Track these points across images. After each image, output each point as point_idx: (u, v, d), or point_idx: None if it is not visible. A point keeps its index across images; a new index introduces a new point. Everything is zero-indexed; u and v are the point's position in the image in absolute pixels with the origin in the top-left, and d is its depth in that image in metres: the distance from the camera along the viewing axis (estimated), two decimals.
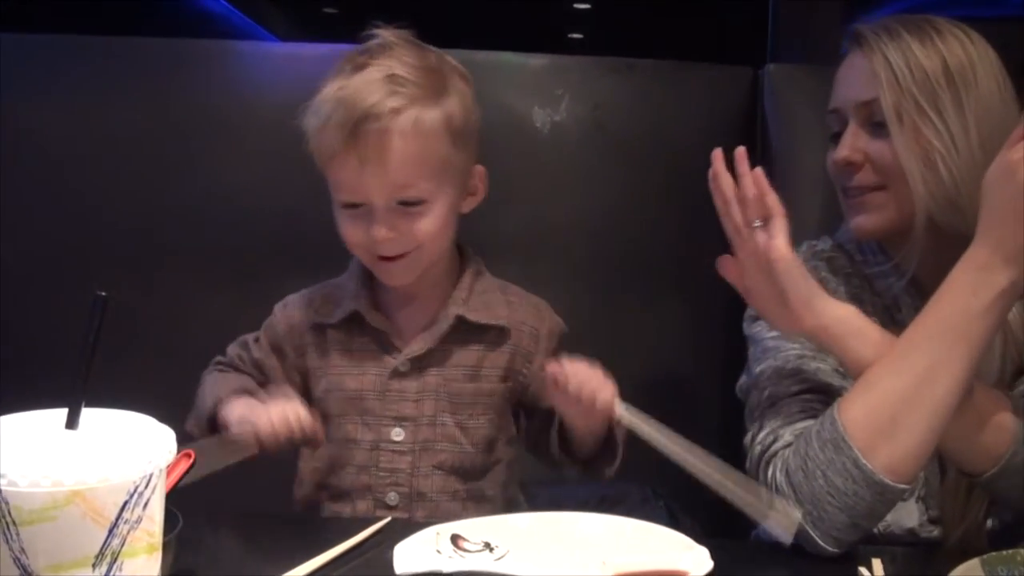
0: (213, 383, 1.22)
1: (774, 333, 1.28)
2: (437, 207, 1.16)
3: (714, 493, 1.18)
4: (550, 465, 1.26)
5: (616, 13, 6.35)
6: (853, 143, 1.23)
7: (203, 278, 1.72)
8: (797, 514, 1.03)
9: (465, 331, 1.22)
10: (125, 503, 0.62)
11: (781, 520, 1.02)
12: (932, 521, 1.22)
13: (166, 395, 1.62)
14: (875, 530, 1.21)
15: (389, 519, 1.10)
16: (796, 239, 1.65)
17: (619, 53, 1.78)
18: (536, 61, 1.76)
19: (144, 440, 0.65)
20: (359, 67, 1.13)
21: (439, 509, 1.21)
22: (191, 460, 0.95)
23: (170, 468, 0.94)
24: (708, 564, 0.96)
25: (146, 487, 0.63)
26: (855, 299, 1.26)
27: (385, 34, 1.17)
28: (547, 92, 1.71)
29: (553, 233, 1.71)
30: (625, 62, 1.75)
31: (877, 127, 1.21)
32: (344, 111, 1.10)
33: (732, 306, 1.74)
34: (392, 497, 1.20)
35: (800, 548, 1.09)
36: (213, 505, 1.01)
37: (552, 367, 1.12)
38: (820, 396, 1.18)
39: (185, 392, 1.66)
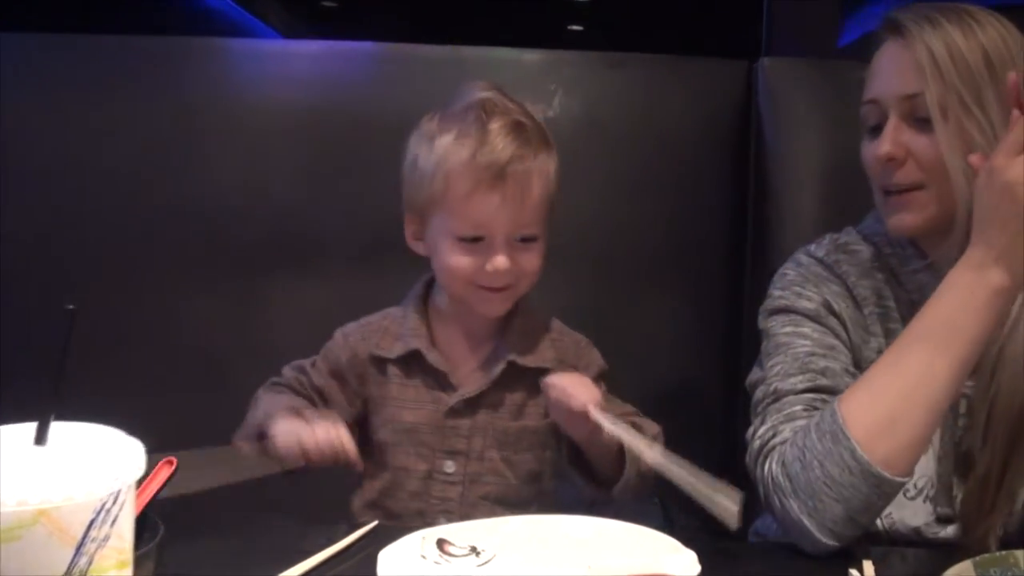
0: (269, 400, 1.30)
1: (788, 329, 1.26)
2: (542, 245, 1.29)
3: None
4: (571, 483, 1.32)
5: (616, 6, 6.33)
6: (895, 138, 1.19)
7: (199, 279, 1.71)
8: (736, 502, 1.04)
9: (514, 374, 1.30)
10: (92, 521, 0.61)
11: (725, 505, 1.04)
12: (941, 520, 1.21)
13: (165, 394, 1.66)
14: (880, 527, 1.21)
15: (376, 523, 1.10)
16: (793, 233, 1.66)
17: (619, 45, 1.77)
18: (528, 56, 1.75)
19: (112, 456, 0.64)
20: (488, 114, 1.25)
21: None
22: (173, 468, 0.95)
23: (151, 477, 0.95)
24: (695, 568, 0.95)
25: (113, 504, 0.62)
26: (877, 293, 1.26)
27: (482, 87, 1.29)
28: (540, 88, 1.70)
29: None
30: (618, 57, 1.74)
31: (920, 122, 1.18)
32: (491, 155, 1.22)
33: (730, 301, 1.75)
34: (441, 520, 1.25)
35: (793, 548, 1.09)
36: (197, 511, 1.01)
37: (543, 379, 1.21)
38: (825, 395, 1.17)
39: (187, 391, 1.67)
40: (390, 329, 1.33)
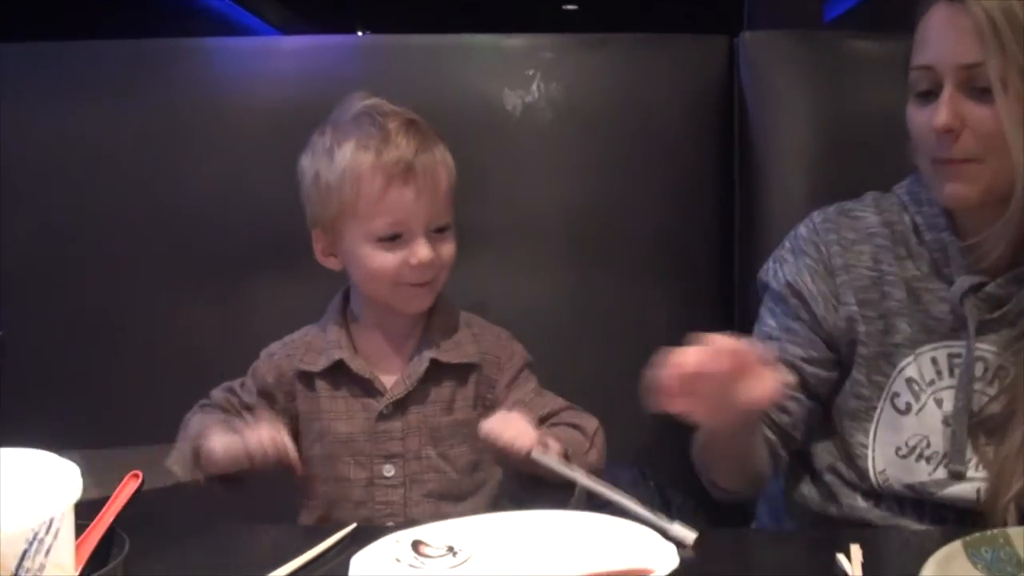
0: (199, 420, 1.31)
1: (763, 307, 1.34)
2: (452, 234, 1.31)
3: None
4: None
5: None
6: (953, 108, 1.15)
7: (185, 278, 1.71)
8: (692, 535, 1.05)
9: (438, 371, 1.32)
10: (25, 552, 0.60)
11: (679, 536, 1.04)
12: (953, 476, 1.21)
13: (150, 393, 1.66)
14: (874, 483, 1.25)
15: (354, 525, 1.09)
16: (781, 209, 1.64)
17: (615, 23, 1.75)
18: (507, 42, 1.72)
19: (46, 484, 0.63)
20: (381, 115, 1.28)
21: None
22: (139, 481, 0.94)
23: (117, 492, 0.94)
24: (674, 561, 0.94)
25: (47, 533, 0.61)
26: (872, 258, 1.27)
27: (363, 96, 1.32)
28: (517, 73, 1.67)
29: (529, 219, 1.67)
30: (597, 38, 1.71)
31: (978, 92, 1.14)
32: (398, 150, 1.25)
33: (719, 279, 1.72)
34: (389, 526, 1.25)
35: (786, 534, 1.08)
36: (165, 524, 1.00)
37: (480, 425, 1.21)
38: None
39: (172, 390, 1.66)
40: (313, 344, 1.34)
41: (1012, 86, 1.11)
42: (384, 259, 1.27)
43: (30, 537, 0.60)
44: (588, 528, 1.04)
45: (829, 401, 1.30)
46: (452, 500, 1.31)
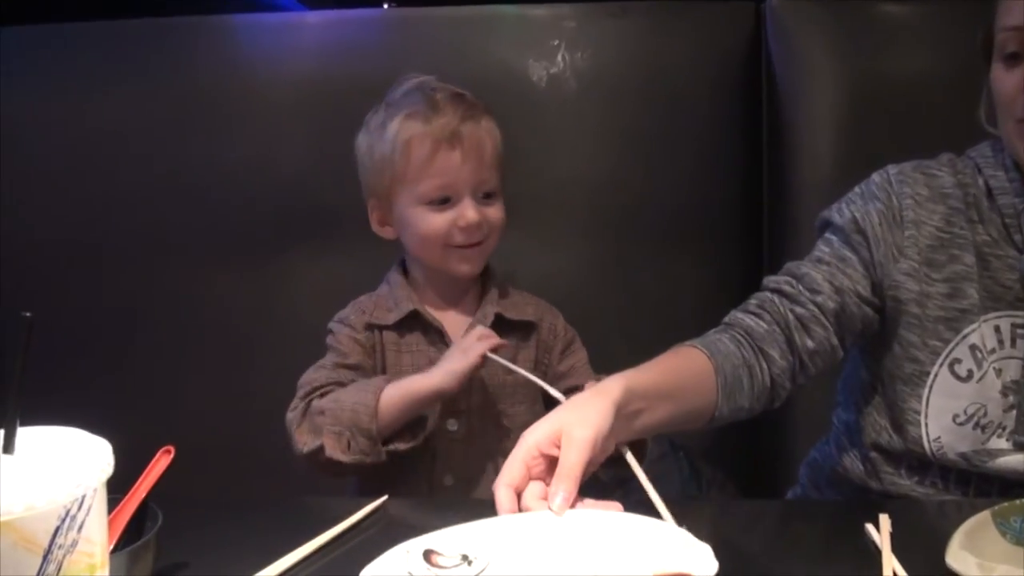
0: (344, 398, 1.28)
1: (820, 241, 1.30)
2: (501, 201, 1.37)
3: (736, 446, 1.17)
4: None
5: None
6: None
7: (216, 256, 1.72)
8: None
9: (501, 327, 1.36)
10: (57, 528, 0.61)
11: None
12: (1019, 447, 1.20)
13: (187, 370, 1.68)
14: (928, 450, 1.22)
15: (385, 497, 1.10)
16: (809, 176, 1.63)
17: None
18: (529, 12, 1.72)
19: (78, 461, 0.64)
20: (429, 93, 1.35)
21: (488, 489, 1.25)
22: (171, 457, 0.95)
23: (150, 467, 0.95)
24: (713, 565, 0.85)
25: (79, 510, 0.62)
26: (944, 219, 1.23)
27: (415, 75, 1.39)
28: (542, 44, 1.67)
29: (555, 190, 1.67)
30: (620, 6, 1.70)
31: None
32: (445, 117, 1.32)
33: (748, 248, 1.71)
34: (448, 479, 1.34)
35: (815, 505, 1.08)
36: (197, 498, 1.01)
37: None
38: (776, 296, 1.26)
39: (208, 367, 1.69)
40: (380, 302, 1.39)
41: None
42: (434, 220, 1.33)
43: (62, 514, 0.61)
44: (614, 529, 0.95)
45: (879, 366, 1.29)
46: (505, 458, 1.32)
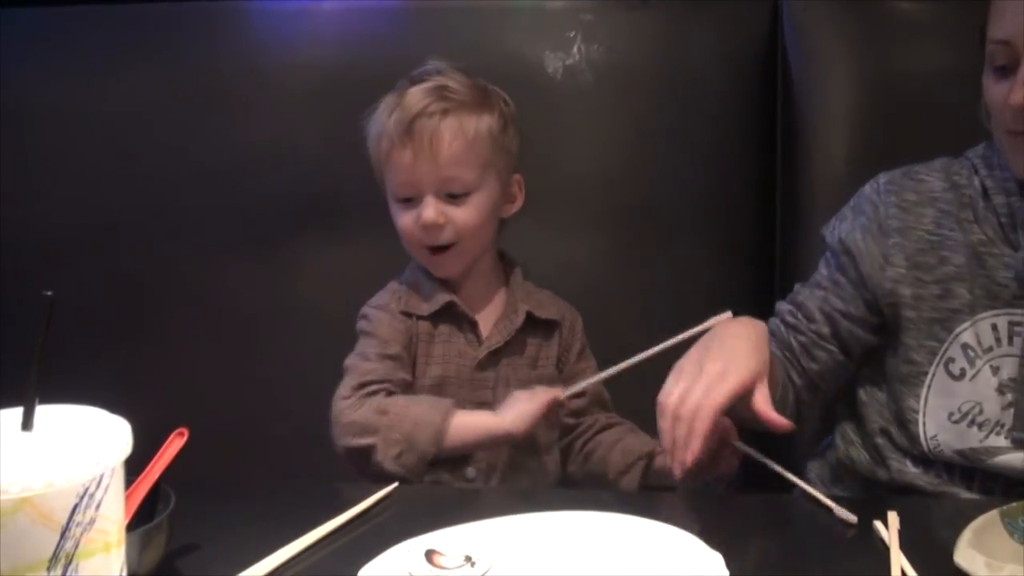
0: (415, 407, 1.27)
1: (821, 261, 1.35)
2: (478, 200, 1.31)
3: (747, 430, 1.18)
4: None
5: None
6: None
7: (226, 242, 1.72)
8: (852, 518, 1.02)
9: (528, 325, 1.37)
10: (75, 506, 0.62)
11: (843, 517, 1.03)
12: (1017, 443, 1.21)
13: (196, 356, 1.68)
14: (925, 448, 1.24)
15: (395, 485, 1.10)
16: (823, 174, 1.63)
17: None
18: (545, 4, 1.71)
19: (96, 439, 0.65)
20: (415, 81, 1.33)
21: (508, 481, 1.33)
22: (184, 439, 0.96)
23: (163, 449, 0.96)
24: (723, 572, 0.85)
25: (97, 488, 0.63)
26: (934, 222, 1.26)
27: (438, 63, 1.36)
28: (558, 36, 1.66)
29: (569, 182, 1.67)
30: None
31: None
32: (401, 112, 1.30)
33: (761, 249, 1.71)
34: (470, 472, 1.31)
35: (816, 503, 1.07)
36: (209, 481, 1.02)
37: None
38: (780, 323, 1.34)
39: (217, 353, 1.70)
40: (413, 292, 1.36)
41: None
42: (403, 218, 1.33)
43: (80, 492, 0.62)
44: (622, 532, 0.94)
45: (880, 364, 1.31)
46: (532, 453, 1.34)
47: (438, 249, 1.32)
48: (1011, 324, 1.22)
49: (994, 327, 1.22)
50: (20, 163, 1.69)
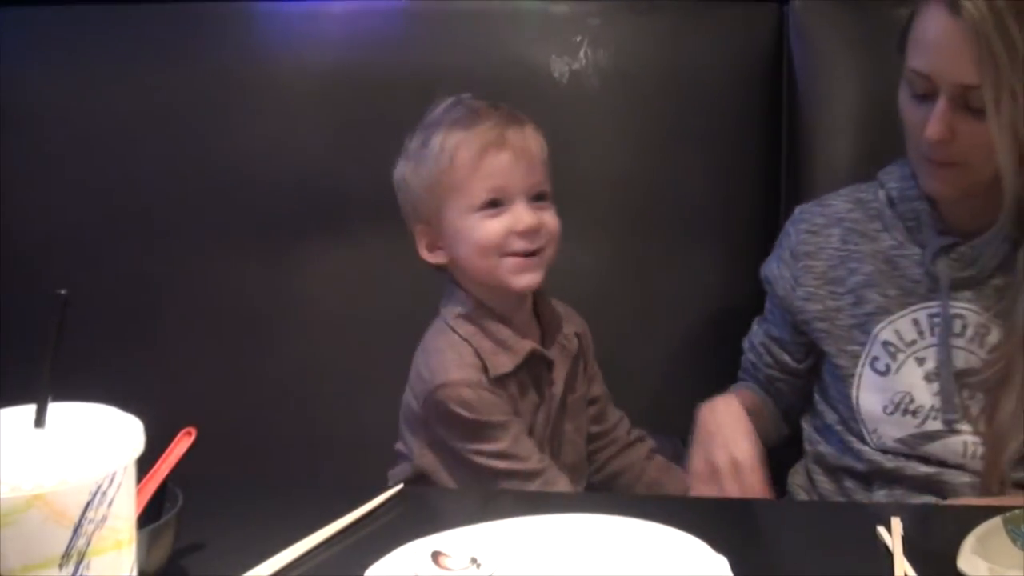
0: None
1: (767, 306, 1.49)
2: (554, 208, 1.31)
3: None
4: None
5: None
6: (947, 121, 1.21)
7: (231, 244, 1.72)
8: None
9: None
10: (88, 503, 0.62)
11: None
12: (948, 425, 1.30)
13: (201, 358, 1.69)
14: (870, 442, 1.34)
15: (401, 486, 1.10)
16: (827, 179, 1.63)
17: None
18: (552, 8, 1.71)
19: (109, 437, 0.65)
20: (468, 104, 1.31)
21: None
22: (192, 439, 0.96)
23: (170, 448, 0.96)
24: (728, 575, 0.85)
25: (109, 486, 0.63)
26: (840, 240, 1.38)
27: (444, 98, 1.34)
28: (564, 40, 1.67)
29: (575, 187, 1.65)
30: (645, 4, 1.70)
31: (972, 110, 1.20)
32: (488, 120, 1.28)
33: (765, 254, 1.71)
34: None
35: (824, 506, 1.08)
36: (216, 481, 1.02)
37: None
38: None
39: (221, 355, 1.70)
40: (485, 350, 1.27)
41: (1004, 106, 1.16)
42: (489, 227, 1.25)
43: (93, 489, 0.62)
44: (627, 535, 0.94)
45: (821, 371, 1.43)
46: (579, 473, 1.35)
47: (527, 255, 1.27)
48: (930, 316, 1.31)
49: (915, 322, 1.32)
50: (32, 163, 1.70)
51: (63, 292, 0.66)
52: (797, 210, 1.44)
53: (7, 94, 1.68)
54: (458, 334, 1.27)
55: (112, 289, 1.70)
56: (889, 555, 0.93)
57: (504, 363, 1.26)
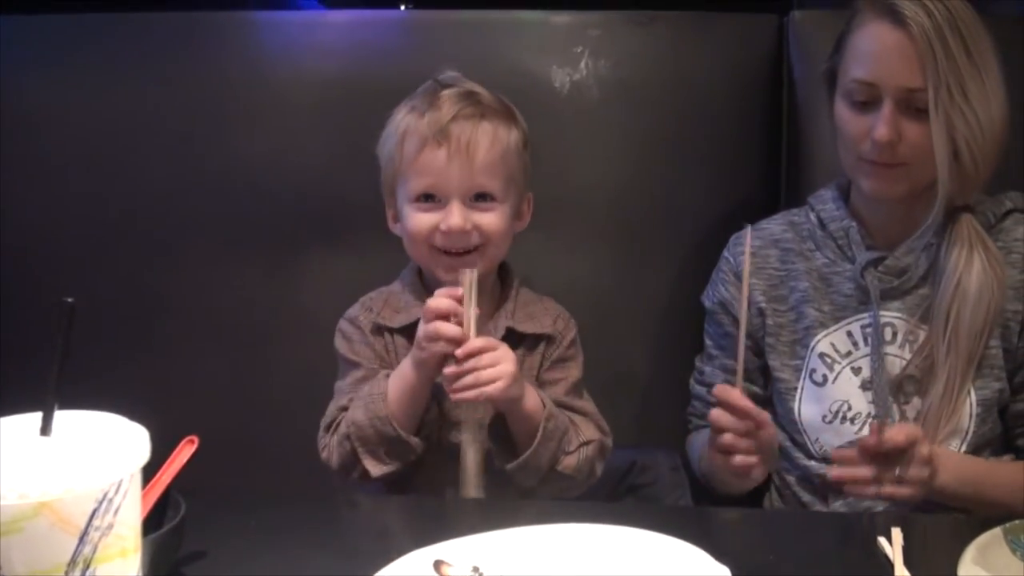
0: (359, 428, 1.26)
1: (707, 328, 1.53)
2: (502, 209, 1.31)
3: None
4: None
5: None
6: (894, 123, 1.28)
7: (232, 252, 1.73)
8: None
9: (510, 339, 1.33)
10: (94, 511, 0.62)
11: None
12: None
13: (201, 365, 1.69)
14: (814, 451, 1.41)
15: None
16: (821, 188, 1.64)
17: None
18: (552, 18, 1.72)
19: (115, 445, 0.65)
20: (444, 85, 1.33)
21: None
22: (195, 447, 0.96)
23: (173, 456, 0.96)
24: None
25: (116, 493, 0.63)
26: (779, 260, 1.45)
27: (454, 73, 1.37)
28: (565, 50, 1.67)
29: (575, 196, 1.68)
30: (646, 14, 1.71)
31: (915, 111, 1.28)
32: (436, 113, 1.29)
33: None
34: (449, 494, 1.27)
35: (825, 516, 1.08)
36: (219, 488, 1.02)
37: None
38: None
39: (222, 362, 1.70)
40: (390, 301, 1.37)
41: (942, 106, 1.25)
42: (419, 220, 1.30)
43: (100, 497, 0.62)
44: (629, 545, 0.93)
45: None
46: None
47: (455, 254, 1.30)
48: (863, 327, 1.39)
49: (849, 334, 1.40)
50: (35, 172, 1.70)
51: (70, 301, 0.66)
52: (732, 238, 1.50)
53: (10, 103, 1.68)
54: (385, 289, 1.38)
55: (116, 299, 1.70)
56: (890, 565, 0.94)
57: (390, 318, 1.34)
